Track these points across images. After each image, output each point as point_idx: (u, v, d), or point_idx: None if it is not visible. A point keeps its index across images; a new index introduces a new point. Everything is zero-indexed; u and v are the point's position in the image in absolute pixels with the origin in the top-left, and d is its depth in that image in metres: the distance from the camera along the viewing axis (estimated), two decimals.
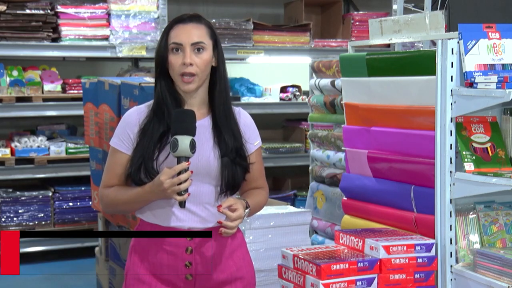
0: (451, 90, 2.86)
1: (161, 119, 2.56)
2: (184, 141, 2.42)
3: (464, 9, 3.11)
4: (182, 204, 2.48)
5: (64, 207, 6.29)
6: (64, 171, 6.29)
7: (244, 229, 3.53)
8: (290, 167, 6.94)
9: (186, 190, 2.45)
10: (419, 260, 2.84)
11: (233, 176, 2.59)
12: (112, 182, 2.62)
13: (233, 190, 2.63)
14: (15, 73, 6.15)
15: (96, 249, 5.10)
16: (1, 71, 6.05)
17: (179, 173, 2.43)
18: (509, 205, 3.02)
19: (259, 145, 2.73)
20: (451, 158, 2.88)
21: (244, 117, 2.72)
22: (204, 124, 2.59)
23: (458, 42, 2.84)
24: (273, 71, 7.44)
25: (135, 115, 2.62)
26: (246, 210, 2.56)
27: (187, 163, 2.43)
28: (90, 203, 5.78)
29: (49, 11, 6.00)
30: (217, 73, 2.62)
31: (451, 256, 2.90)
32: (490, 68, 2.81)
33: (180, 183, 2.43)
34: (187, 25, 2.57)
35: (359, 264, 2.72)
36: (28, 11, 5.92)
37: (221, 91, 2.62)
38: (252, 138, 2.70)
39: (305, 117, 5.04)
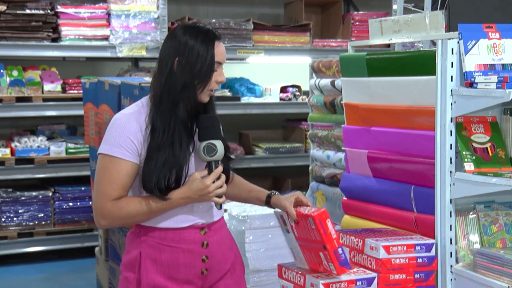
0: (451, 90, 2.86)
1: (185, 126, 2.56)
2: (219, 146, 2.55)
3: (464, 9, 3.11)
4: (220, 206, 2.62)
5: (64, 207, 6.29)
6: (64, 171, 6.30)
7: (244, 229, 3.53)
8: (290, 167, 6.95)
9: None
10: (419, 260, 2.84)
11: (228, 170, 2.71)
12: (117, 193, 2.53)
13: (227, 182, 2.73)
14: (15, 73, 6.15)
15: (96, 249, 5.10)
16: (1, 71, 6.06)
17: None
18: (509, 205, 3.02)
19: None
20: (451, 158, 2.88)
21: None
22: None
23: (458, 42, 2.84)
24: (273, 71, 7.44)
25: (134, 123, 2.54)
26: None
27: (221, 166, 2.57)
28: (90, 203, 5.78)
29: (49, 11, 6.00)
30: None
31: (451, 256, 2.90)
32: (490, 68, 2.81)
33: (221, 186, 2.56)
34: (221, 42, 2.61)
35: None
36: (28, 11, 5.93)
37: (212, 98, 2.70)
38: None
39: (305, 117, 5.04)
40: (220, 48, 2.58)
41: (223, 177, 2.56)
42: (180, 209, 2.59)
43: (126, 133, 2.53)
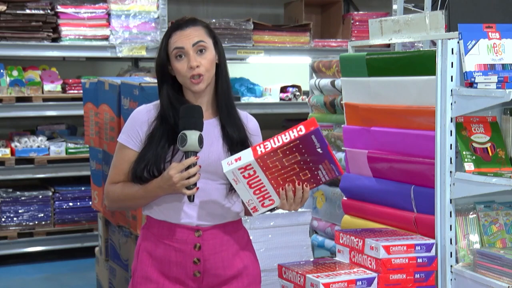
0: (451, 90, 2.86)
1: (170, 124, 2.58)
2: (192, 136, 2.46)
3: (464, 9, 3.11)
4: (191, 198, 2.51)
5: (64, 207, 6.29)
6: (64, 171, 6.30)
7: None
8: None
9: (195, 185, 2.49)
10: (419, 260, 2.84)
11: None
12: (119, 178, 2.64)
13: None
14: (15, 73, 6.15)
15: (96, 249, 5.10)
16: (1, 71, 6.06)
17: (188, 168, 2.46)
18: (509, 205, 3.02)
19: None
20: (451, 158, 2.88)
21: (251, 122, 2.77)
22: (213, 124, 2.63)
23: (458, 42, 2.85)
24: (273, 71, 7.44)
25: (145, 114, 2.64)
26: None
27: (195, 157, 2.47)
28: (90, 203, 5.78)
29: (49, 11, 6.00)
30: (218, 69, 2.67)
31: (451, 256, 2.90)
32: (490, 68, 2.81)
33: (189, 177, 2.46)
34: (185, 30, 2.60)
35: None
36: (28, 11, 5.92)
37: (223, 85, 2.67)
38: (258, 141, 2.74)
39: (305, 117, 5.02)
40: (178, 36, 2.59)
41: (195, 168, 2.46)
42: (173, 203, 2.59)
43: (134, 123, 2.64)
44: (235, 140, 2.63)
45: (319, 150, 2.46)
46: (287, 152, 2.45)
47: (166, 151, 2.56)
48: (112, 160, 2.70)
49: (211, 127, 2.60)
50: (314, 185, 2.53)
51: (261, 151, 2.45)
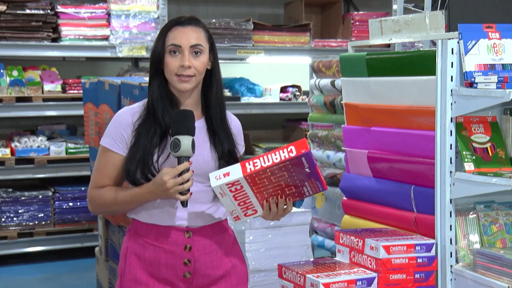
0: (451, 90, 2.86)
1: (157, 119, 2.57)
2: (185, 141, 2.45)
3: (464, 9, 3.11)
4: (184, 204, 2.51)
5: (64, 207, 6.29)
6: (64, 171, 6.30)
7: (244, 229, 3.53)
8: None
9: (188, 190, 2.48)
10: (419, 260, 2.84)
11: None
12: (103, 182, 2.61)
13: None
14: (15, 73, 6.15)
15: (96, 249, 5.10)
16: (1, 71, 6.06)
17: (181, 173, 2.46)
18: (509, 205, 3.02)
19: (243, 149, 2.81)
20: (451, 158, 2.88)
21: (234, 121, 2.77)
22: (199, 126, 2.61)
23: (458, 42, 2.85)
24: (273, 71, 7.44)
25: (129, 115, 2.60)
26: None
27: (189, 163, 2.47)
28: None
29: (49, 11, 6.00)
30: (212, 76, 2.65)
31: (451, 256, 2.90)
32: (490, 68, 2.81)
33: (182, 183, 2.45)
34: (186, 28, 2.58)
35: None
36: (28, 11, 5.93)
37: (217, 94, 2.66)
38: (240, 140, 2.77)
39: (305, 117, 5.04)
40: (178, 32, 2.56)
41: (189, 173, 2.46)
42: (164, 207, 2.58)
43: (118, 126, 2.60)
44: (226, 150, 2.63)
45: (307, 170, 2.48)
46: (276, 171, 2.47)
47: (154, 146, 2.54)
48: (95, 164, 2.66)
49: (198, 129, 2.58)
50: (298, 198, 2.57)
51: (250, 168, 2.47)
